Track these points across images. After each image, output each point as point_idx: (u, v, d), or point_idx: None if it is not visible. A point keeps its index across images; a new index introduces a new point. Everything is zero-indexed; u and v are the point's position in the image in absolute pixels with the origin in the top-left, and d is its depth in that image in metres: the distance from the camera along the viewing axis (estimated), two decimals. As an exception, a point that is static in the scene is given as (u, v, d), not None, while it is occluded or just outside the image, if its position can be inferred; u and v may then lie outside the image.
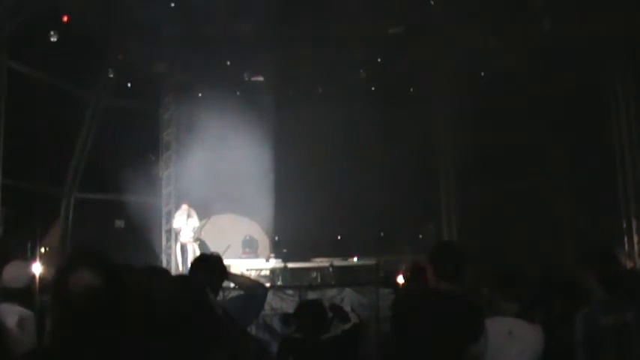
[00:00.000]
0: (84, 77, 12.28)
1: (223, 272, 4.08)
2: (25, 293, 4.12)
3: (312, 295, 7.81)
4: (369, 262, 11.48)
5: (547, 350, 3.85)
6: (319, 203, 12.99)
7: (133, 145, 12.53)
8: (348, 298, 8.39)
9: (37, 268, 5.31)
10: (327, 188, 13.22)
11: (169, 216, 13.40)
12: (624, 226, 11.03)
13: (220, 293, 4.06)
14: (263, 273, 11.71)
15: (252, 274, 10.90)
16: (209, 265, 4.04)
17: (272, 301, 7.43)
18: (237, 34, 12.01)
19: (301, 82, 13.54)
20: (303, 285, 9.00)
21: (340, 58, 12.72)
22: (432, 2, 11.48)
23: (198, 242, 12.24)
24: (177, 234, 12.58)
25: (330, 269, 11.21)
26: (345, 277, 10.87)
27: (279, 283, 10.64)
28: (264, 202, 12.79)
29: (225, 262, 4.23)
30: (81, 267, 2.19)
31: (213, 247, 11.17)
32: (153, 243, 13.36)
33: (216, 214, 13.29)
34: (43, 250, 10.75)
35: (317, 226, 12.69)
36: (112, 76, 12.47)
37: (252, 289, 4.20)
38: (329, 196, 13.21)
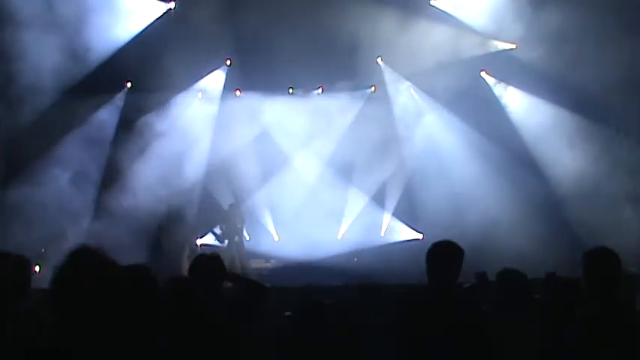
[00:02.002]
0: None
1: (223, 272, 4.08)
2: (24, 291, 4.11)
3: (312, 295, 7.78)
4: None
5: (547, 350, 3.85)
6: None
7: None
8: (348, 297, 8.37)
9: (36, 268, 5.31)
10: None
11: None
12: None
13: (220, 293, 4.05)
14: (263, 273, 11.72)
15: (252, 274, 10.90)
16: (209, 265, 4.03)
17: (272, 301, 7.40)
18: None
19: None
20: (303, 285, 9.00)
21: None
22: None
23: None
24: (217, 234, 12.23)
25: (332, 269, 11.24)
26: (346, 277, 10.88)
27: (279, 283, 10.63)
28: None
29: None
30: (81, 265, 2.19)
31: None
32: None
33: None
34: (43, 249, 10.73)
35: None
36: None
37: (252, 289, 4.20)
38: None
